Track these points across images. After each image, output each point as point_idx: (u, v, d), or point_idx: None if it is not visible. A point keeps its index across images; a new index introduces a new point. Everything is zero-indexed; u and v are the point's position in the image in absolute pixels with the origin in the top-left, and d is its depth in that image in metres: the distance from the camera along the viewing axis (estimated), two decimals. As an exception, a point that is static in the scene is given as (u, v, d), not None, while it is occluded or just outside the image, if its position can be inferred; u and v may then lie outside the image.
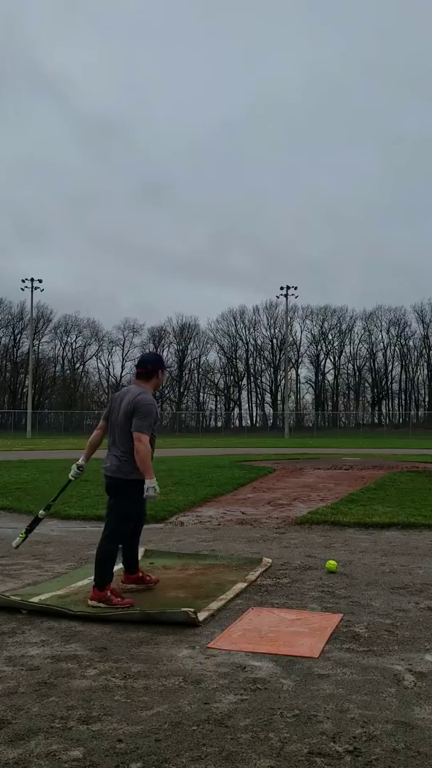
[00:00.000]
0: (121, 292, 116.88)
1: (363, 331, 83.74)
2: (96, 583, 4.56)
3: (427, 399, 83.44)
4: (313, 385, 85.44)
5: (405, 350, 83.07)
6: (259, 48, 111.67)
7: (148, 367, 4.85)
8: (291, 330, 78.12)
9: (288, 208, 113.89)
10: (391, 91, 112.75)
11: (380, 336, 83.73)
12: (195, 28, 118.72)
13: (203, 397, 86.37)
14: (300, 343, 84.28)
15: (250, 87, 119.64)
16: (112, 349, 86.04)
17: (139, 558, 5.95)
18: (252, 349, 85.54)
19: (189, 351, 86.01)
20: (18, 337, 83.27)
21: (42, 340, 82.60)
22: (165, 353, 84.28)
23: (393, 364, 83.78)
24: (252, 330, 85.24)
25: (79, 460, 5.10)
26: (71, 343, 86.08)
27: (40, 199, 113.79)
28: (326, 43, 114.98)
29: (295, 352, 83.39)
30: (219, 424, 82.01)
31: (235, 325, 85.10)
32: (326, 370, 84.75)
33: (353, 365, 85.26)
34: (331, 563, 5.63)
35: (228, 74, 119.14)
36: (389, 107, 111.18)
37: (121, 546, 4.85)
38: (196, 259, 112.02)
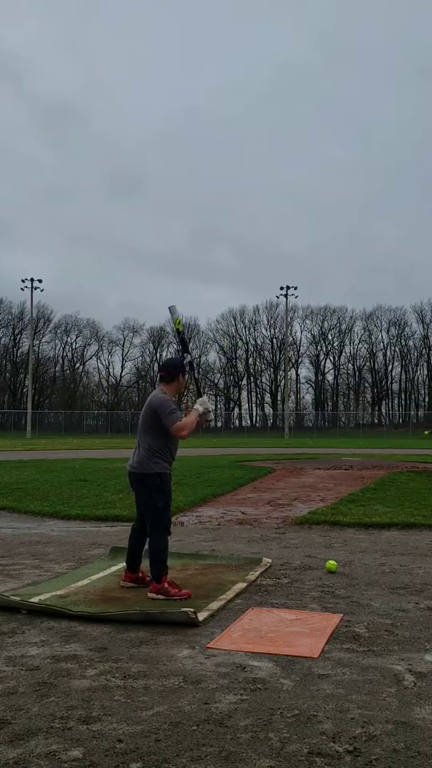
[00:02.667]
0: (105, 291, 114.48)
1: (363, 331, 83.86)
2: (153, 576, 4.77)
3: (427, 399, 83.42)
4: (313, 385, 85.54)
5: (405, 350, 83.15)
6: (225, 35, 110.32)
7: (169, 370, 5.11)
8: (291, 330, 78.21)
9: (267, 203, 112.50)
10: (367, 80, 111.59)
11: (380, 336, 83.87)
12: (153, 9, 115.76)
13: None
14: (300, 343, 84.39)
15: (215, 75, 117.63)
16: (112, 349, 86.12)
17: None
18: (252, 349, 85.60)
19: (189, 351, 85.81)
20: (18, 337, 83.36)
21: (42, 340, 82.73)
22: (165, 353, 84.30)
23: (393, 364, 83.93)
24: (252, 330, 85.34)
25: None
26: (71, 343, 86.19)
27: (5, 192, 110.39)
28: (298, 28, 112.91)
29: (295, 352, 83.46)
30: (219, 424, 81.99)
31: (235, 325, 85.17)
32: (326, 370, 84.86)
33: (353, 365, 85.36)
34: (331, 563, 5.63)
35: (193, 62, 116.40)
36: (365, 98, 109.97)
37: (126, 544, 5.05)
38: (177, 256, 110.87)
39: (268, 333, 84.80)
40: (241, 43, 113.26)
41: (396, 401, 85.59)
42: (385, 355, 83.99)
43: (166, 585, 4.73)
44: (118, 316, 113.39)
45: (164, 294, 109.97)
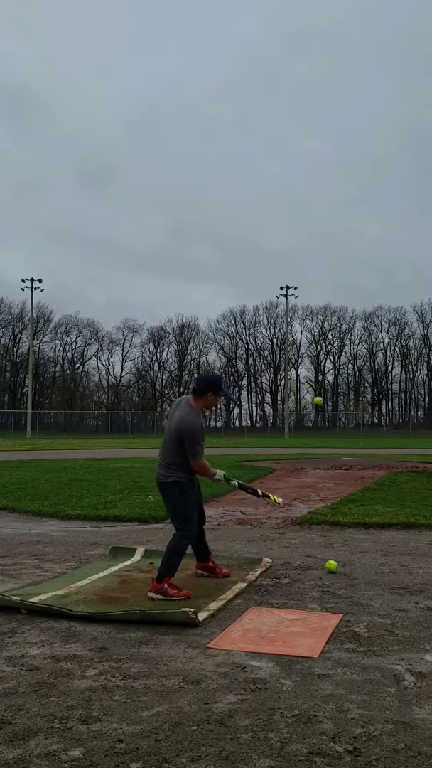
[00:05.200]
0: (90, 288, 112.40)
1: (363, 331, 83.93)
2: (158, 575, 4.80)
3: (427, 399, 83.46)
4: (313, 385, 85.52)
5: (405, 350, 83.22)
6: (197, 21, 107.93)
7: (200, 385, 5.13)
8: (291, 330, 78.24)
9: (246, 199, 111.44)
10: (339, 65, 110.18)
11: (380, 336, 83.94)
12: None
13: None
14: (300, 343, 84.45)
15: (183, 65, 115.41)
16: (112, 349, 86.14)
17: (140, 558, 5.99)
18: (252, 349, 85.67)
19: (189, 351, 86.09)
20: (18, 337, 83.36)
21: (42, 340, 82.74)
22: (165, 353, 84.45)
23: (393, 364, 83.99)
24: (252, 330, 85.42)
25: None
26: (71, 343, 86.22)
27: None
28: (274, 17, 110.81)
29: (295, 352, 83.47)
30: (219, 424, 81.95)
31: (235, 325, 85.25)
32: (326, 370, 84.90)
33: (353, 365, 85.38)
34: (331, 563, 5.63)
35: (161, 52, 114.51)
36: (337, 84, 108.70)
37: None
38: (156, 253, 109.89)
39: (268, 333, 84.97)
40: (213, 33, 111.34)
41: (396, 401, 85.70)
42: (385, 355, 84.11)
43: (166, 585, 4.73)
44: (107, 313, 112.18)
45: (153, 292, 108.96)
